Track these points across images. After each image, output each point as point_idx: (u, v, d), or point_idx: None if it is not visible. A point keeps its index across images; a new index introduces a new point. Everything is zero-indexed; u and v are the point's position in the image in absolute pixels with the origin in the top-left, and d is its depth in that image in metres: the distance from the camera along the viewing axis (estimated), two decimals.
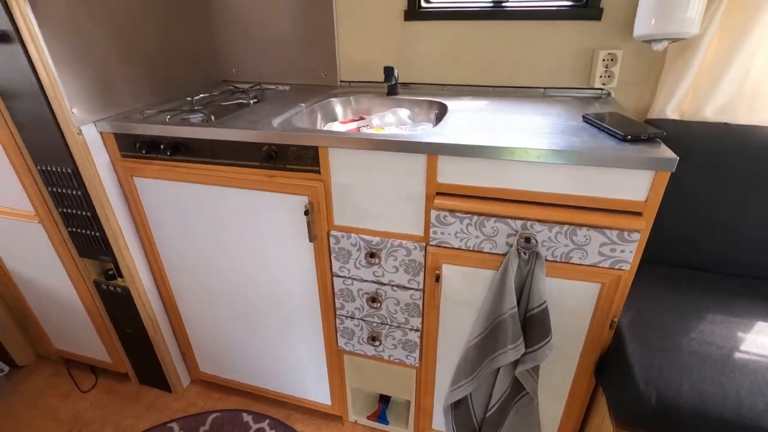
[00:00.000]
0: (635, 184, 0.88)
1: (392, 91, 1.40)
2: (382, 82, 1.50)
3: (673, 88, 1.25)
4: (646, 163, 0.84)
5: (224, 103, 1.36)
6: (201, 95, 1.43)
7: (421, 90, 1.47)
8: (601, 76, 1.31)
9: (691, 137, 1.22)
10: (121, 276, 1.40)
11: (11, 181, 1.28)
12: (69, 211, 1.29)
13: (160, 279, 1.43)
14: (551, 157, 0.88)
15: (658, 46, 1.17)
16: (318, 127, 1.33)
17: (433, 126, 1.29)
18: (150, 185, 1.24)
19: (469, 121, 1.10)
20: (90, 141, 1.18)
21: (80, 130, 1.14)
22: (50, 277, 1.47)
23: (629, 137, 0.90)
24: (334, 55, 1.52)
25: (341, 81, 1.57)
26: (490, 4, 1.35)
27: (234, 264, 1.29)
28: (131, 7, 1.25)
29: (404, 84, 1.51)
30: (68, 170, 1.20)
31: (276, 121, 1.14)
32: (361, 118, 1.31)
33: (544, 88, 1.40)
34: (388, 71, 1.30)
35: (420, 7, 1.40)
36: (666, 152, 0.85)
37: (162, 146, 1.16)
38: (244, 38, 1.59)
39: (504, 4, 1.34)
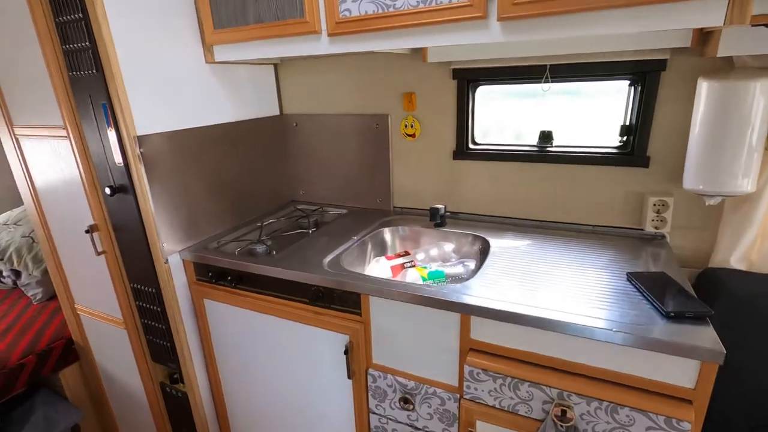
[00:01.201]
0: (681, 369, 0.82)
1: (439, 224, 1.48)
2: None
3: (735, 237, 1.18)
4: (689, 351, 0.79)
5: (287, 233, 1.52)
6: (270, 220, 1.62)
7: (468, 221, 1.54)
8: (653, 220, 1.29)
9: (762, 293, 1.12)
10: (182, 382, 1.54)
11: (110, 293, 1.51)
12: (149, 322, 1.48)
13: (215, 389, 1.54)
14: (584, 332, 0.87)
15: (711, 201, 1.13)
16: (368, 259, 1.44)
17: (476, 263, 1.33)
18: (217, 307, 1.39)
19: (508, 268, 1.13)
20: (173, 267, 1.38)
21: (167, 260, 1.35)
22: (127, 375, 1.66)
23: (672, 314, 0.87)
24: (388, 184, 1.67)
25: (394, 207, 1.70)
26: (535, 149, 1.42)
27: (281, 386, 1.36)
28: (223, 155, 1.51)
29: (453, 213, 1.59)
30: (153, 290, 1.40)
31: (327, 260, 1.26)
32: (406, 253, 1.39)
33: (593, 225, 1.39)
34: (434, 212, 1.40)
35: (468, 148, 1.51)
36: (712, 340, 0.80)
37: (228, 277, 1.32)
38: (313, 166, 1.80)
39: (549, 149, 1.40)
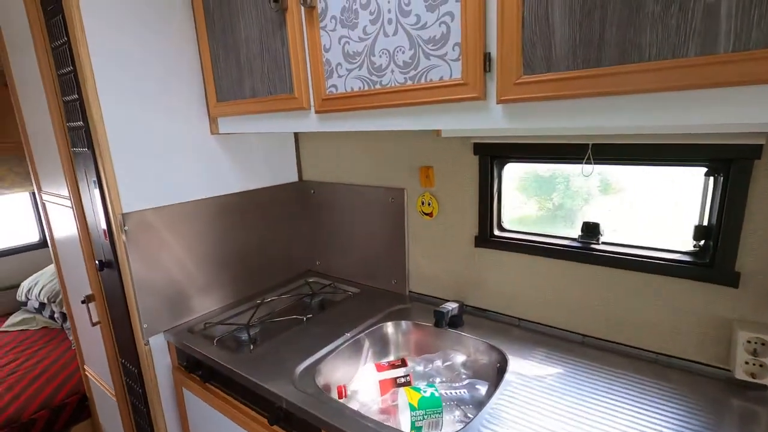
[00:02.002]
0: None
1: (454, 322, 1.22)
2: (448, 300, 1.35)
3: None
4: None
5: (280, 318, 1.37)
6: (272, 297, 1.49)
7: (490, 320, 1.25)
8: (746, 363, 0.90)
9: None
10: None
11: (104, 363, 1.47)
12: (135, 401, 1.39)
13: None
14: None
15: None
16: (364, 358, 1.22)
17: (489, 388, 1.04)
18: (194, 400, 1.26)
19: (525, 410, 0.84)
20: (156, 348, 1.28)
21: (147, 341, 1.26)
22: None
23: None
24: (404, 265, 1.45)
25: (410, 291, 1.47)
26: (578, 244, 1.12)
27: None
28: (228, 227, 1.42)
29: (473, 308, 1.31)
30: (135, 370, 1.31)
31: (303, 366, 1.07)
32: (403, 363, 1.15)
33: (655, 353, 1.03)
34: (439, 316, 1.14)
35: (492, 235, 1.25)
36: None
37: (200, 371, 1.19)
38: (329, 236, 1.66)
39: (595, 246, 1.09)
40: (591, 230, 1.10)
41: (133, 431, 1.47)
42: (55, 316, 2.47)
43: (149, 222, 1.22)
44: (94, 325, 1.38)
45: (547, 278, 1.17)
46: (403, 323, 1.29)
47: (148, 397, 1.31)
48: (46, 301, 2.48)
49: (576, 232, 1.14)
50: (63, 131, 1.23)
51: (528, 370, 1.01)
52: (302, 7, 0.96)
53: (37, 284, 2.57)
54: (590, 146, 1.02)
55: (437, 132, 1.22)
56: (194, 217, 1.34)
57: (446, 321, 1.15)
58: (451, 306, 1.18)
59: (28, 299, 2.60)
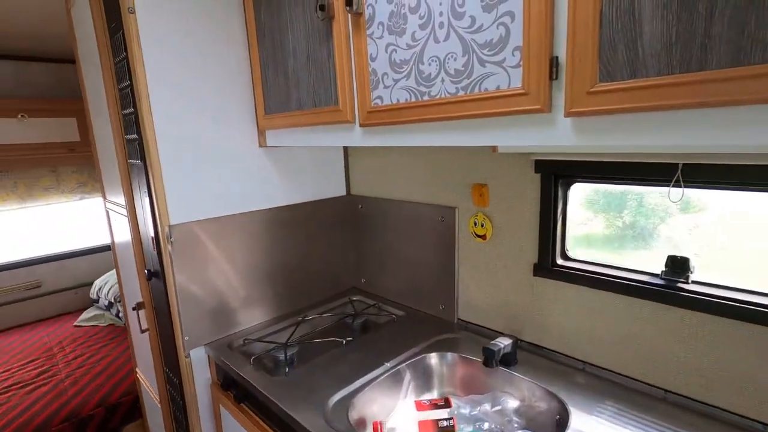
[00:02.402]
0: None
1: (507, 359, 1.08)
2: (500, 332, 1.22)
3: None
4: None
5: (318, 340, 1.31)
6: (313, 315, 1.44)
7: (550, 360, 1.10)
8: None
9: None
10: None
11: (152, 369, 1.49)
12: (175, 411, 1.40)
13: None
14: None
15: None
16: (405, 391, 1.12)
17: None
18: (228, 419, 1.23)
19: None
20: (197, 361, 1.28)
21: (188, 354, 1.25)
22: None
23: None
24: (453, 290, 1.34)
25: (459, 319, 1.35)
26: (661, 282, 0.94)
27: None
28: (275, 240, 1.40)
29: (529, 344, 1.17)
30: (177, 380, 1.31)
31: (336, 398, 0.99)
32: (447, 403, 1.03)
33: (764, 424, 0.83)
34: (489, 354, 1.01)
35: (554, 263, 1.10)
36: None
37: (234, 390, 1.15)
38: (375, 254, 1.58)
39: (683, 286, 0.91)
40: (679, 266, 0.93)
41: None
42: (120, 315, 2.62)
43: (195, 234, 1.22)
44: (143, 332, 1.41)
45: (620, 318, 1.00)
46: (449, 355, 1.17)
47: (188, 409, 1.30)
48: (113, 300, 2.65)
49: (655, 261, 0.96)
50: (122, 143, 1.28)
51: (594, 428, 0.86)
52: (349, 15, 0.91)
53: (107, 284, 2.75)
54: (680, 166, 0.86)
55: (493, 147, 1.11)
56: (240, 230, 1.32)
57: (497, 360, 1.02)
58: (504, 343, 1.04)
59: (99, 297, 2.80)
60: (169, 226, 1.17)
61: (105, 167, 1.54)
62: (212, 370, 1.30)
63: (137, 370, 1.75)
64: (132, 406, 1.94)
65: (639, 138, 0.58)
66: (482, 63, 0.71)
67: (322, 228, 1.56)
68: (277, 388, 1.05)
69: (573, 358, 1.09)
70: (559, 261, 1.10)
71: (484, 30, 0.70)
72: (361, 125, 0.97)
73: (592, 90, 0.59)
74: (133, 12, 1.04)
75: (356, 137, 1.00)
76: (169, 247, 1.18)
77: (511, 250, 1.18)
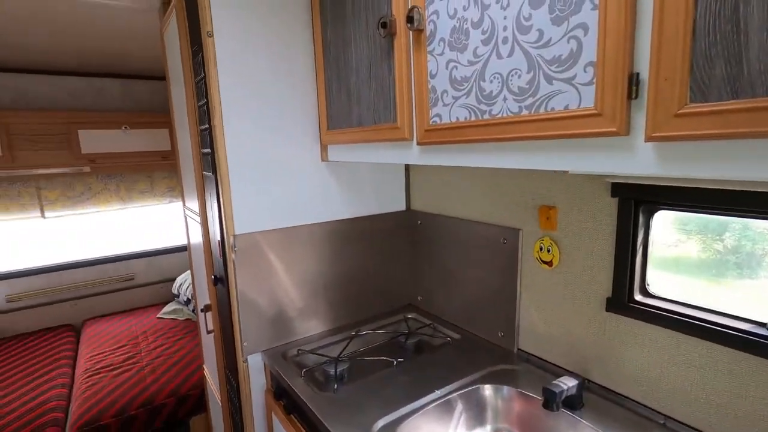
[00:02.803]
0: None
1: (571, 402, 0.98)
2: (565, 369, 1.11)
3: None
4: None
5: (370, 357, 1.29)
6: (366, 331, 1.42)
7: (620, 409, 0.97)
8: None
9: None
10: None
11: (215, 368, 1.58)
12: (233, 412, 1.46)
13: None
14: None
15: None
16: (454, 424, 1.06)
17: None
18: (279, 428, 1.25)
19: None
20: (253, 367, 1.32)
21: (246, 359, 1.30)
22: None
23: None
24: (513, 317, 1.25)
25: (519, 349, 1.26)
26: (764, 331, 0.79)
27: None
28: (334, 253, 1.42)
29: (598, 386, 1.04)
30: (235, 384, 1.37)
31: (381, 424, 0.96)
32: None
33: None
34: (550, 396, 0.92)
35: (631, 299, 0.98)
36: None
37: (284, 400, 1.17)
38: (434, 272, 1.54)
39: None
40: None
41: None
42: (195, 311, 2.83)
43: (258, 244, 1.27)
44: (208, 332, 1.49)
45: (713, 372, 0.85)
46: (505, 389, 1.09)
47: (243, 413, 1.35)
48: (189, 297, 2.86)
49: (764, 297, 0.81)
50: (198, 155, 1.37)
51: None
52: (410, 32, 0.89)
53: (186, 281, 2.99)
54: None
55: None
56: (300, 242, 1.35)
57: (559, 403, 0.92)
58: (568, 384, 0.94)
59: (179, 293, 3.05)
60: (234, 236, 1.23)
61: (185, 176, 1.68)
62: (267, 377, 1.34)
63: (204, 366, 1.86)
64: (199, 400, 2.07)
65: (739, 169, 0.48)
66: (549, 80, 0.65)
67: (381, 242, 1.55)
68: (324, 404, 1.04)
69: (651, 409, 0.96)
70: (638, 297, 0.98)
71: (553, 44, 0.63)
72: (418, 143, 0.94)
73: (680, 112, 0.50)
74: (211, 36, 1.12)
75: (413, 155, 0.98)
76: (233, 255, 1.23)
77: (580, 280, 1.07)
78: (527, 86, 0.68)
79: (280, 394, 1.21)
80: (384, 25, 0.92)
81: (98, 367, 2.30)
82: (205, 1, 1.10)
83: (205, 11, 1.11)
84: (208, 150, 1.25)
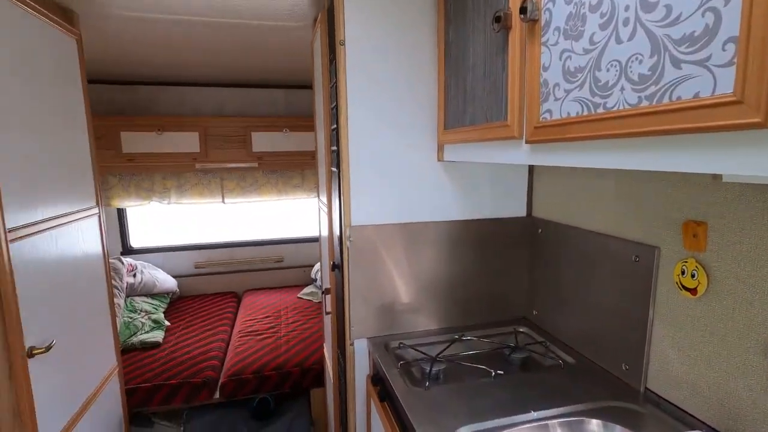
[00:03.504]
0: None
1: None
2: (707, 425, 0.90)
3: None
4: None
5: (469, 364, 1.24)
6: (471, 336, 1.39)
7: None
8: None
9: None
10: None
11: (330, 348, 1.73)
12: (340, 391, 1.57)
13: None
14: None
15: None
16: None
17: None
18: (374, 412, 1.31)
19: None
20: (358, 351, 1.41)
21: (353, 342, 1.40)
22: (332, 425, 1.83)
23: None
24: (642, 351, 1.06)
25: (647, 388, 1.06)
26: None
27: None
28: (442, 253, 1.43)
29: None
30: (343, 365, 1.48)
31: (463, 431, 0.93)
32: None
33: None
34: None
35: None
36: None
37: (380, 386, 1.21)
38: (552, 286, 1.41)
39: None
40: None
41: (338, 416, 1.67)
42: None
43: (371, 237, 1.35)
44: (326, 314, 1.65)
45: None
46: (618, 429, 0.94)
47: (347, 392, 1.45)
48: None
49: None
50: (329, 153, 1.53)
51: None
52: (523, 23, 0.84)
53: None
54: None
55: (715, 173, 0.83)
56: (412, 239, 1.39)
57: None
58: None
59: (316, 278, 3.41)
60: (350, 227, 1.33)
61: (320, 171, 1.88)
62: (370, 362, 1.41)
63: (324, 345, 2.05)
64: (318, 374, 2.29)
65: None
66: (676, 64, 0.54)
67: (496, 248, 1.49)
68: (412, 399, 1.05)
69: None
70: None
71: (683, 21, 0.53)
72: (527, 141, 0.88)
73: None
74: (342, 44, 1.24)
75: (521, 155, 0.92)
76: (348, 244, 1.34)
77: (735, 315, 0.85)
78: (649, 73, 0.58)
79: (377, 380, 1.27)
80: (498, 20, 0.89)
81: (248, 330, 2.74)
82: (340, 15, 1.23)
83: (339, 23, 1.23)
84: (335, 148, 1.39)
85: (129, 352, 2.42)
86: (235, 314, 3.13)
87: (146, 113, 3.14)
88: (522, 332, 1.45)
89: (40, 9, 1.38)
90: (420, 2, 1.28)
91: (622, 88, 0.63)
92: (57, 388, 1.37)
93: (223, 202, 3.40)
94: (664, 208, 1.00)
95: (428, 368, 1.20)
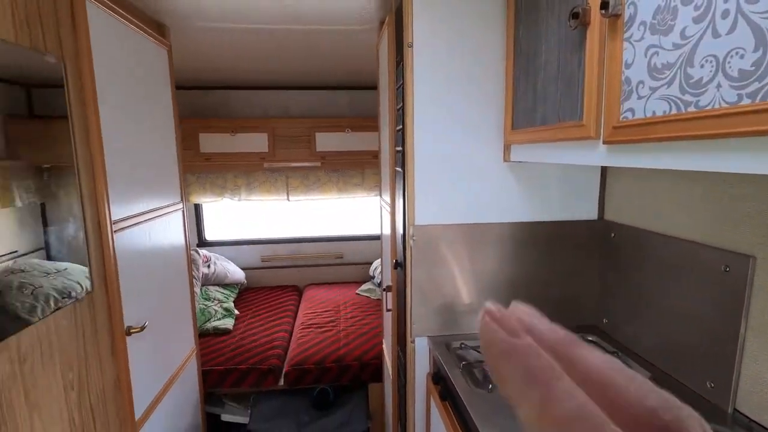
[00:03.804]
0: None
1: None
2: None
3: None
4: None
5: None
6: None
7: None
8: None
9: None
10: None
11: (390, 344, 1.76)
12: (399, 387, 1.60)
13: None
14: None
15: None
16: None
17: None
18: (434, 411, 1.32)
19: None
20: (419, 348, 1.43)
21: (414, 339, 1.42)
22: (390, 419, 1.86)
23: None
24: (732, 368, 0.98)
25: (736, 410, 0.98)
26: None
27: None
28: (507, 255, 1.40)
29: None
30: (403, 361, 1.51)
31: None
32: None
33: None
34: None
35: None
36: None
37: (441, 384, 1.22)
38: (625, 295, 1.33)
39: None
40: None
41: (396, 412, 1.70)
42: None
43: (434, 236, 1.36)
44: (387, 311, 1.68)
45: None
46: None
47: (407, 388, 1.47)
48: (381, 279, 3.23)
49: None
50: (393, 153, 1.56)
51: None
52: (604, 19, 0.80)
53: (379, 266, 3.38)
54: None
55: None
56: (475, 240, 1.38)
57: None
58: None
59: (374, 275, 3.47)
60: (413, 226, 1.35)
61: (383, 171, 1.92)
62: (430, 361, 1.42)
63: (383, 341, 2.09)
64: (377, 370, 2.33)
65: None
66: None
67: (563, 252, 1.44)
68: (476, 400, 1.05)
69: None
70: None
71: None
72: (605, 142, 0.84)
73: None
74: (410, 46, 1.26)
75: (599, 156, 0.88)
76: (411, 243, 1.36)
77: None
78: (752, 68, 0.54)
79: (438, 379, 1.28)
80: (575, 16, 0.86)
81: (310, 323, 2.86)
82: (408, 17, 1.25)
83: (407, 25, 1.25)
84: (400, 148, 1.41)
85: (203, 337, 2.63)
86: (297, 307, 3.28)
87: (220, 115, 3.38)
88: (591, 341, 1.38)
89: (139, 24, 1.54)
90: (488, 3, 1.27)
91: (719, 85, 0.59)
92: (148, 365, 1.53)
93: (288, 199, 3.56)
94: (760, 212, 0.91)
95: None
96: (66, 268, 1.25)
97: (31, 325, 1.04)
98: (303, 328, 2.77)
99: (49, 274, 1.22)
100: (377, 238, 3.88)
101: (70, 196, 1.24)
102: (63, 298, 1.19)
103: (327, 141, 3.33)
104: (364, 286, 3.50)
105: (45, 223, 1.25)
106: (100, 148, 1.26)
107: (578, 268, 1.45)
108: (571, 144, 0.97)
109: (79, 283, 1.24)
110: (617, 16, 0.78)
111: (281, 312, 3.09)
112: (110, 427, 1.31)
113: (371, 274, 3.57)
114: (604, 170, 1.43)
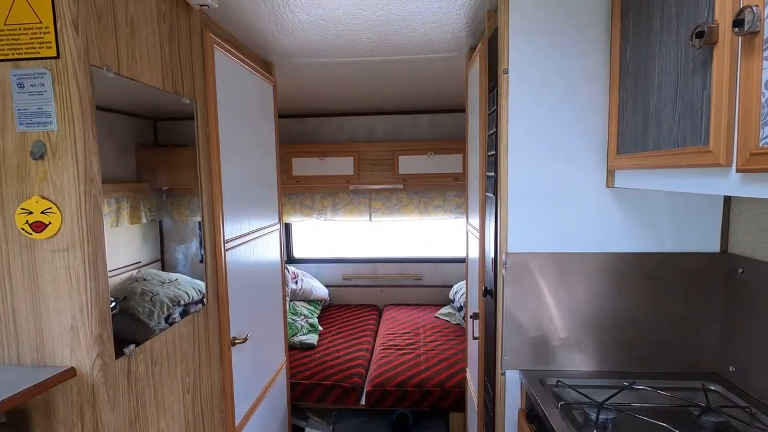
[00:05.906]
0: None
1: None
2: None
3: None
4: None
5: (643, 417, 1.09)
6: (643, 387, 1.22)
7: None
8: None
9: None
10: None
11: (476, 374, 1.70)
12: (486, 420, 1.54)
13: None
14: None
15: None
16: None
17: None
18: None
19: None
20: (509, 382, 1.36)
21: (504, 372, 1.36)
22: None
23: None
24: None
25: None
26: None
27: None
28: (610, 289, 1.30)
29: None
30: (492, 393, 1.45)
31: None
32: None
33: None
34: None
35: None
36: None
37: (537, 424, 1.15)
38: (762, 342, 1.16)
39: None
40: None
41: None
42: (465, 318, 3.10)
43: (527, 265, 1.31)
44: (474, 339, 1.64)
45: None
46: None
47: (496, 423, 1.41)
48: (462, 304, 3.16)
49: None
50: (483, 178, 1.54)
51: None
52: (738, 37, 0.74)
53: (461, 290, 3.31)
54: None
55: None
56: (573, 270, 1.31)
57: None
58: None
59: (454, 299, 3.41)
60: (506, 253, 1.31)
61: (470, 195, 1.90)
62: (522, 396, 1.35)
63: (467, 369, 2.03)
64: (459, 398, 2.26)
65: None
66: None
67: (676, 287, 1.30)
68: None
69: None
70: None
71: None
72: (738, 170, 0.76)
73: None
74: (506, 73, 1.25)
75: (731, 185, 0.79)
76: (503, 271, 1.32)
77: None
78: None
79: (534, 417, 1.21)
80: (700, 35, 0.80)
81: (390, 343, 2.87)
82: (504, 45, 1.25)
83: (503, 53, 1.25)
84: (492, 173, 1.39)
85: (290, 350, 2.77)
86: (377, 326, 3.32)
87: (311, 141, 3.62)
88: (714, 390, 1.22)
89: (251, 63, 1.72)
90: (587, 26, 1.22)
91: None
92: (247, 374, 1.65)
93: (370, 220, 3.67)
94: None
95: (594, 414, 1.09)
96: (177, 279, 1.42)
97: (163, 332, 1.18)
98: (383, 349, 2.80)
99: (164, 283, 1.39)
100: (458, 260, 3.82)
101: (182, 215, 1.42)
102: (173, 305, 1.34)
103: (409, 164, 3.40)
104: (444, 310, 3.45)
105: (161, 238, 1.44)
106: (218, 173, 1.42)
107: (695, 307, 1.30)
108: (694, 171, 0.89)
109: (186, 293, 1.39)
110: (755, 33, 0.71)
111: (362, 330, 3.15)
112: (215, 430, 1.43)
113: (451, 297, 3.51)
114: (727, 197, 1.27)
